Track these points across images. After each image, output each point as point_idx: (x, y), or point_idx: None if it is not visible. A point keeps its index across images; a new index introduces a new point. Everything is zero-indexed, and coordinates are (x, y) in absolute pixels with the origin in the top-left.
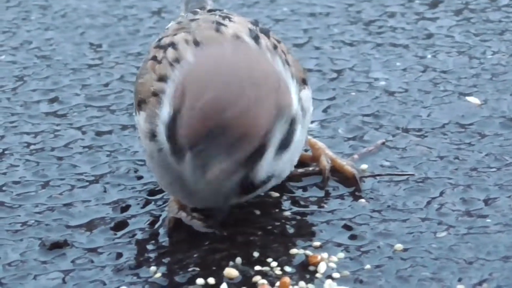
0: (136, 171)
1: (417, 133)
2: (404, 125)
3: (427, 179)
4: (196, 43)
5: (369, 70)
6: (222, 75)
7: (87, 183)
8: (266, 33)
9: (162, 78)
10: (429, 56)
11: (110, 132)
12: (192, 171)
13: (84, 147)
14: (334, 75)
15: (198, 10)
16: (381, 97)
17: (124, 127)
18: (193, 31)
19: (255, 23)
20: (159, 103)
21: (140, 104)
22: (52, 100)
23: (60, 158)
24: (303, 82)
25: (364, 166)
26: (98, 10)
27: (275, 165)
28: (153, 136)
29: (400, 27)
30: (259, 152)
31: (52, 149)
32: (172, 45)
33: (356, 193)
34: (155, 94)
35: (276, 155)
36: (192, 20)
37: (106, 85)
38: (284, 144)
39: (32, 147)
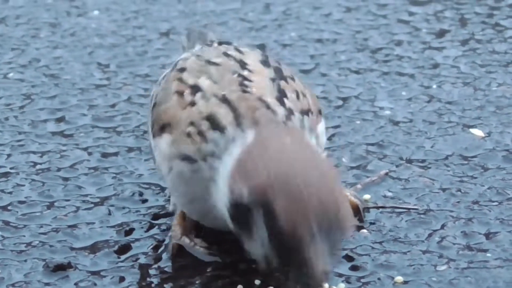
0: (141, 194)
1: (420, 164)
2: (408, 156)
3: (429, 211)
4: (228, 103)
5: (375, 99)
6: (305, 172)
7: (92, 205)
8: (281, 74)
9: (200, 133)
10: (434, 86)
11: (116, 154)
12: (306, 262)
13: (89, 168)
14: (340, 102)
15: (211, 43)
16: (386, 126)
17: (130, 149)
18: (218, 82)
19: (266, 62)
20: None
21: (164, 127)
22: (59, 120)
23: (65, 179)
24: (320, 113)
25: (367, 196)
26: (107, 30)
27: None
28: (186, 158)
29: (406, 56)
30: None
31: (58, 170)
32: (200, 90)
33: (359, 224)
34: (190, 136)
35: None
36: (210, 62)
37: (113, 106)
38: None
39: (38, 166)
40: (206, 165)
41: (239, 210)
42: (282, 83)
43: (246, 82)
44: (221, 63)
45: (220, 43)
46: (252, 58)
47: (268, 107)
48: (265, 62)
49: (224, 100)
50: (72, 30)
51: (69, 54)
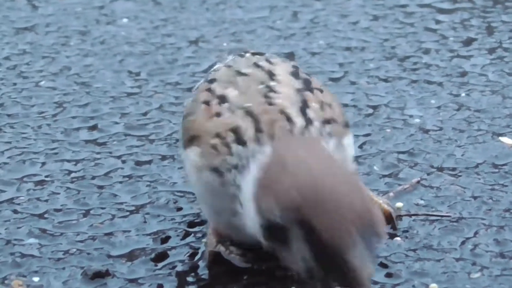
0: (175, 202)
1: (451, 172)
2: (439, 164)
3: (461, 219)
4: (252, 116)
5: (404, 107)
6: (333, 183)
7: (128, 213)
8: (309, 85)
9: (220, 137)
10: (463, 94)
11: (149, 162)
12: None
13: (124, 176)
14: (370, 111)
15: (244, 53)
16: (416, 134)
17: (163, 158)
18: (244, 93)
19: (296, 73)
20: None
21: (193, 139)
22: (92, 128)
23: (100, 187)
24: (346, 125)
25: (399, 204)
26: (136, 38)
27: None
28: (215, 170)
29: (434, 64)
30: None
31: (93, 178)
32: (227, 101)
33: (392, 231)
34: (216, 149)
35: None
36: (239, 73)
37: (145, 114)
38: None
39: (73, 175)
40: (231, 178)
41: (273, 230)
42: (308, 94)
43: (271, 94)
44: (250, 73)
45: (253, 54)
46: (282, 69)
47: (288, 118)
48: (295, 74)
49: (248, 113)
50: (102, 38)
51: (99, 62)
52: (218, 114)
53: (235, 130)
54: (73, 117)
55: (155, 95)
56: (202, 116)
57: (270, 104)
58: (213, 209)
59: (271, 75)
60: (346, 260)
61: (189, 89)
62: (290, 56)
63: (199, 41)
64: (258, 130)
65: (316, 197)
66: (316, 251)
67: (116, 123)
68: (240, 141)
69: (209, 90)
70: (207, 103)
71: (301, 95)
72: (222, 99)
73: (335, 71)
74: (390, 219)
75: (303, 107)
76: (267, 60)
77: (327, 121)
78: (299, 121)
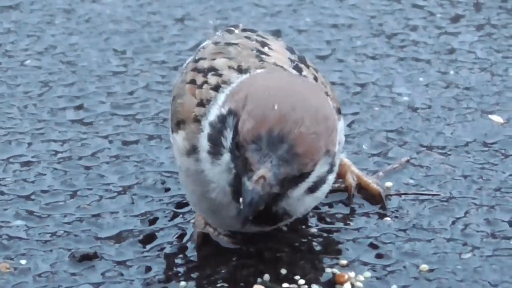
0: (163, 182)
1: (441, 151)
2: (428, 143)
3: (451, 199)
4: (241, 70)
5: (392, 84)
6: (287, 95)
7: (115, 194)
8: (304, 62)
9: (203, 103)
10: (451, 72)
11: (136, 142)
12: (240, 167)
13: (111, 156)
14: (358, 89)
15: (233, 28)
16: (405, 113)
17: (150, 137)
18: (235, 58)
19: (291, 50)
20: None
21: (179, 124)
22: (78, 108)
23: (87, 168)
24: (339, 112)
25: (389, 184)
26: (122, 16)
27: (294, 203)
28: (192, 151)
29: (422, 41)
30: (299, 179)
31: (80, 158)
32: (214, 70)
33: (382, 211)
34: (197, 119)
35: (303, 194)
36: (230, 44)
37: (131, 93)
38: (312, 188)
39: (59, 155)
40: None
41: (216, 128)
42: (302, 66)
43: (263, 56)
44: (241, 43)
45: (244, 30)
46: (276, 43)
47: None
48: (290, 49)
49: (238, 69)
50: (87, 16)
51: (85, 41)
52: (202, 84)
53: (217, 86)
54: (59, 97)
55: (141, 73)
56: (189, 97)
57: (262, 61)
58: (195, 194)
59: (264, 44)
60: (244, 151)
61: (176, 68)
62: (276, 34)
63: (185, 19)
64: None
65: (256, 95)
66: (231, 141)
67: (103, 102)
68: (217, 88)
69: (195, 69)
70: (193, 81)
71: (295, 64)
72: (209, 70)
73: (322, 49)
74: (380, 199)
75: (299, 69)
76: (259, 35)
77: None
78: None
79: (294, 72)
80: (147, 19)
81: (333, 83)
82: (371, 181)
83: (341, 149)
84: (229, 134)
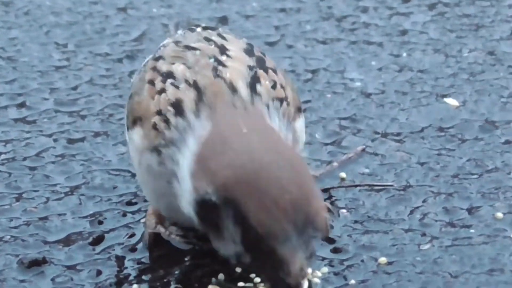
0: (111, 181)
1: (396, 138)
2: (383, 130)
3: (408, 187)
4: (197, 89)
5: (344, 70)
6: (275, 164)
7: (62, 195)
8: (263, 65)
9: (162, 114)
10: (404, 54)
11: (82, 139)
12: (263, 265)
13: (56, 156)
14: (309, 75)
15: (194, 27)
16: (358, 99)
17: (96, 134)
18: (192, 67)
19: (250, 51)
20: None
21: (136, 121)
22: (21, 105)
23: (32, 168)
24: (298, 110)
25: (342, 175)
26: (62, 7)
27: None
28: (155, 150)
29: (373, 23)
30: None
31: (24, 159)
32: (172, 77)
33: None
34: (155, 127)
35: None
36: (189, 47)
37: (75, 88)
38: None
39: (2, 156)
40: (170, 155)
41: (206, 209)
42: (260, 72)
43: (220, 68)
44: (200, 47)
45: (204, 28)
46: (235, 45)
47: (234, 91)
48: (249, 51)
49: (193, 85)
50: (26, 8)
51: (24, 35)
52: (161, 91)
53: (176, 104)
54: (0, 95)
55: (85, 67)
56: (147, 97)
57: (218, 76)
58: (155, 193)
59: (223, 49)
60: (273, 249)
61: (120, 60)
62: (223, 20)
63: (128, 8)
64: (199, 101)
65: (250, 176)
66: (246, 237)
67: (46, 99)
68: (179, 113)
69: (154, 68)
70: (151, 82)
71: (253, 72)
72: (168, 75)
73: (270, 35)
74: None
75: (253, 83)
76: (220, 35)
77: (279, 100)
78: (245, 94)
79: (244, 92)
80: (89, 10)
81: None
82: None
83: (302, 148)
84: (233, 226)
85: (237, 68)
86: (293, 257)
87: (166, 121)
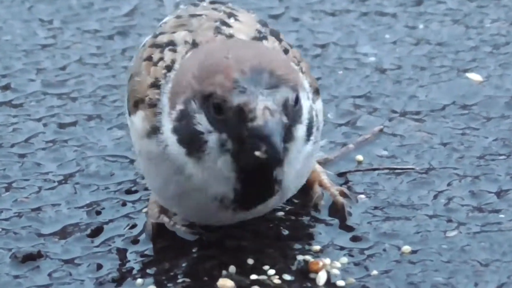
0: (107, 168)
1: (415, 117)
2: (401, 108)
3: (431, 170)
4: (194, 45)
5: (356, 44)
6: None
7: (55, 184)
8: (277, 36)
9: (156, 84)
10: (421, 26)
11: (74, 123)
12: (233, 125)
13: (47, 142)
14: (318, 50)
15: (198, 2)
16: (372, 75)
17: (89, 118)
18: (195, 31)
19: (264, 23)
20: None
21: (137, 104)
22: (5, 88)
23: (22, 156)
24: (317, 92)
25: (359, 158)
26: None
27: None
28: (152, 132)
29: None
30: (297, 112)
31: (12, 145)
32: (172, 44)
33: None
34: (151, 104)
35: (302, 142)
36: (193, 15)
37: (64, 68)
38: (308, 133)
39: None
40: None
41: (182, 124)
42: (272, 38)
43: (224, 27)
44: (207, 13)
45: (212, 2)
46: (246, 15)
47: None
48: (262, 23)
49: (192, 43)
50: None
51: (5, 11)
52: (158, 61)
53: (169, 65)
54: None
55: (73, 45)
56: (145, 75)
57: (219, 34)
58: (158, 181)
59: (232, 15)
60: (231, 105)
61: (111, 37)
62: None
63: None
64: (187, 52)
65: (208, 69)
66: (209, 115)
67: (32, 80)
68: (168, 70)
69: (153, 45)
70: (149, 59)
71: (261, 35)
72: (167, 44)
73: (273, 7)
74: (342, 211)
75: (260, 38)
76: (229, 7)
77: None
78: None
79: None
80: None
81: None
82: (338, 194)
83: (319, 135)
84: (201, 116)
85: (243, 28)
86: (251, 101)
87: (158, 87)
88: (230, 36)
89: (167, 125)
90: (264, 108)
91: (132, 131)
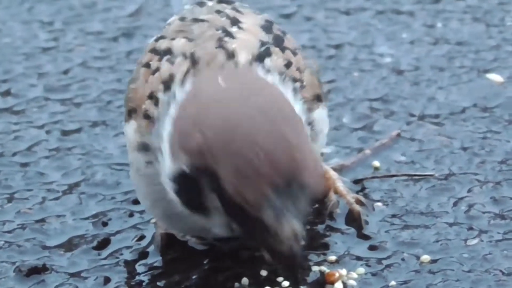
0: (114, 177)
1: (434, 120)
2: (419, 111)
3: (451, 176)
4: (193, 60)
5: (372, 44)
6: (253, 122)
7: (60, 194)
8: (281, 43)
9: (152, 96)
10: (439, 25)
11: (78, 130)
12: (251, 230)
13: (50, 150)
14: (332, 51)
15: (205, 1)
16: (389, 77)
17: (94, 124)
18: (195, 40)
19: (268, 28)
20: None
21: (131, 113)
22: (6, 93)
23: (24, 165)
24: (318, 99)
25: (376, 164)
26: None
27: None
28: (142, 148)
29: None
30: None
31: (14, 154)
32: (169, 53)
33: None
34: (146, 115)
35: None
36: (196, 20)
37: (66, 72)
38: None
39: None
40: (156, 138)
41: (183, 182)
42: (275, 49)
43: (227, 39)
44: (209, 19)
45: (219, 1)
46: (251, 19)
47: (230, 58)
48: (266, 28)
49: (190, 57)
50: None
51: (4, 12)
52: (156, 71)
53: (167, 80)
54: None
55: (76, 48)
56: (142, 81)
57: (220, 47)
58: (149, 199)
59: (235, 22)
60: (257, 217)
61: (115, 39)
62: None
63: None
64: (188, 72)
65: (221, 138)
66: (225, 206)
67: (33, 85)
68: (167, 88)
69: (153, 50)
70: (147, 65)
71: (265, 47)
72: (165, 52)
73: (286, 6)
74: (358, 219)
75: (262, 56)
76: (235, 9)
77: (292, 79)
78: (243, 60)
79: (244, 61)
80: None
81: (302, 46)
82: (354, 202)
83: (324, 141)
84: (213, 197)
85: (246, 40)
86: (279, 222)
87: (156, 102)
88: (231, 54)
89: (164, 166)
90: (292, 233)
91: (126, 140)
